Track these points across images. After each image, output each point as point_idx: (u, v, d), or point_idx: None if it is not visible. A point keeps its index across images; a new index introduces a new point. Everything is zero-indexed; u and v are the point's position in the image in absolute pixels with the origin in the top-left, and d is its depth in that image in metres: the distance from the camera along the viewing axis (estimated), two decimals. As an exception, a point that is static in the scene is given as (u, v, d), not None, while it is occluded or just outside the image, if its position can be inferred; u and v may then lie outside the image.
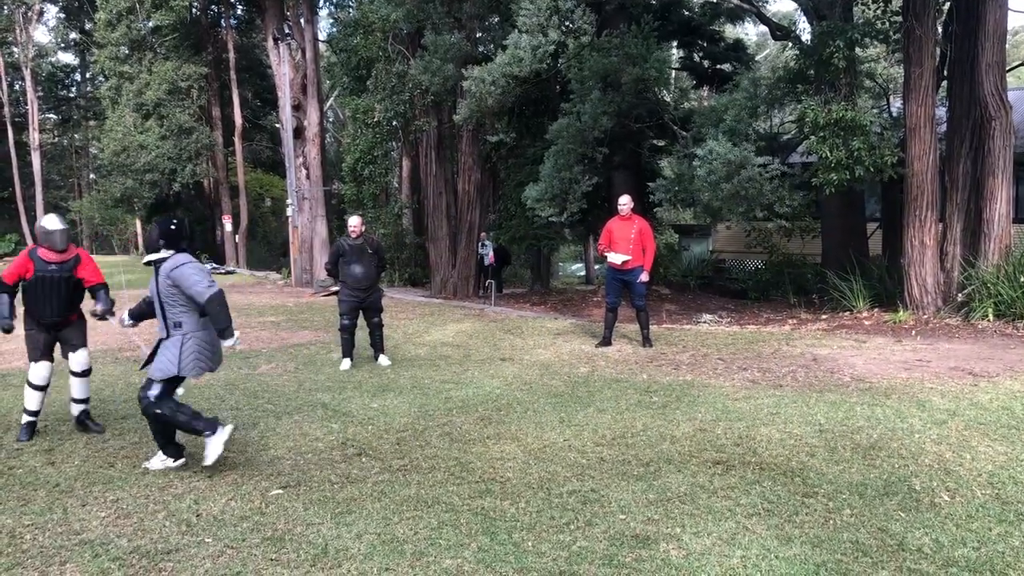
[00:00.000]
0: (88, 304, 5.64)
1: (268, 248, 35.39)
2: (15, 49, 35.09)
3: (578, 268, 37.51)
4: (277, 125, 31.36)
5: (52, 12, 37.81)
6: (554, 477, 4.44)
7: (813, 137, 10.78)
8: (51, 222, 5.49)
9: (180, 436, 4.91)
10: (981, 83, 10.28)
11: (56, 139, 42.58)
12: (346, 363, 8.15)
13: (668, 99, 19.08)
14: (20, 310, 5.52)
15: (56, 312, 5.45)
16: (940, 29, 11.39)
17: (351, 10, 24.60)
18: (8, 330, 5.40)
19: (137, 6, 27.45)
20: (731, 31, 22.71)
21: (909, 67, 10.67)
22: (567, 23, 12.04)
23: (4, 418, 5.98)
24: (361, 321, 8.33)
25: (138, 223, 36.57)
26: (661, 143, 16.87)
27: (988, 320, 9.73)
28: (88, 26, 34.30)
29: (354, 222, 8.33)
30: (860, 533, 3.56)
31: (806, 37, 14.19)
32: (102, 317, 5.62)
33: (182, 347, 4.55)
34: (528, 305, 14.97)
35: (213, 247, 31.79)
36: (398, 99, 17.01)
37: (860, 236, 14.02)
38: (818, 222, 14.71)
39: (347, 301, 8.18)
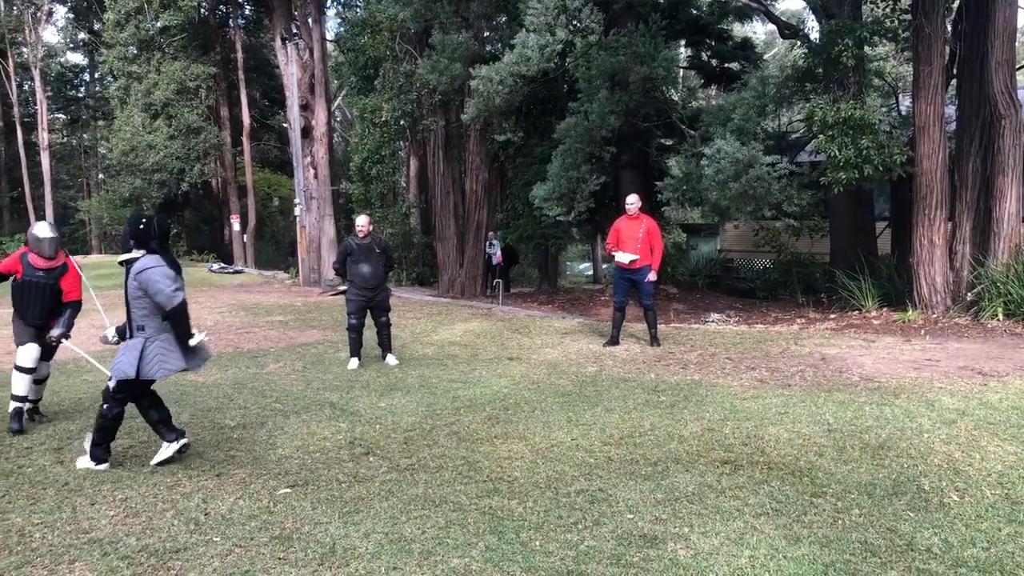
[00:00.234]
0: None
1: (276, 247, 35.45)
2: (24, 49, 35.22)
3: (586, 267, 37.54)
4: (285, 125, 31.48)
5: (61, 12, 37.95)
6: (562, 476, 4.43)
7: (822, 136, 10.74)
8: (42, 230, 5.67)
9: (179, 424, 5.02)
10: (991, 81, 10.25)
11: (65, 139, 42.68)
12: (354, 362, 8.17)
13: (676, 98, 19.06)
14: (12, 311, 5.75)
15: (39, 316, 5.69)
16: (949, 27, 11.32)
17: (359, 10, 24.62)
18: None
19: (145, 6, 27.55)
20: (739, 30, 22.63)
21: (918, 65, 10.63)
22: (575, 22, 12.04)
23: (6, 418, 6.00)
24: (369, 320, 8.34)
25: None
26: (669, 142, 16.82)
27: (998, 319, 9.67)
28: (97, 26, 34.41)
29: (361, 221, 8.35)
30: (869, 533, 3.55)
31: (815, 35, 14.14)
32: (57, 341, 5.71)
33: (143, 350, 4.52)
34: (536, 304, 14.96)
35: (221, 246, 31.88)
36: (406, 98, 17.02)
37: (869, 235, 13.95)
38: (826, 221, 14.66)
39: (355, 300, 8.20)
